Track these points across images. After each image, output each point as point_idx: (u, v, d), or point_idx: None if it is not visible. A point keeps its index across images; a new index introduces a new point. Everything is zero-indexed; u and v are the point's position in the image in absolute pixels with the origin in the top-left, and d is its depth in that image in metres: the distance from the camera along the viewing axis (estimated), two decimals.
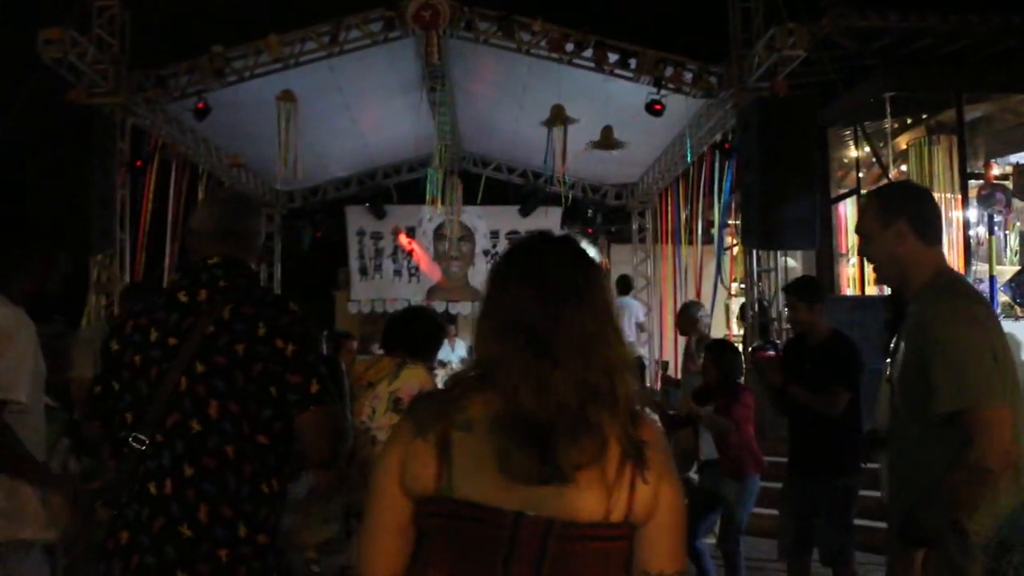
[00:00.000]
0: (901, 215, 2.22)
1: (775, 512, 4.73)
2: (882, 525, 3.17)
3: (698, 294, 9.67)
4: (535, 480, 1.25)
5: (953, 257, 8.28)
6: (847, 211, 9.82)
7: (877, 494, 2.82)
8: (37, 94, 7.57)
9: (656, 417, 5.49)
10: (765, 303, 8.06)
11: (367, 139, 11.17)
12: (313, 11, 8.40)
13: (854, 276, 9.72)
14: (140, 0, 8.30)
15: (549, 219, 12.59)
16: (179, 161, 9.62)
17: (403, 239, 12.97)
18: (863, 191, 9.02)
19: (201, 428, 1.83)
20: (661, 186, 11.42)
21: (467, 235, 13.02)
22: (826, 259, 9.77)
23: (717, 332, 8.51)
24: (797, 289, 4.30)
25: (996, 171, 8.26)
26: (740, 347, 7.31)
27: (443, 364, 9.20)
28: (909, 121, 9.33)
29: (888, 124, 8.57)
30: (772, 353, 4.58)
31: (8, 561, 2.43)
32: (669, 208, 11.27)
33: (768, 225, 7.35)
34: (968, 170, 8.51)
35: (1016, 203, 8.06)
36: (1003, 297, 7.41)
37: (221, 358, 1.86)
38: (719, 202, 9.15)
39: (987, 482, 1.93)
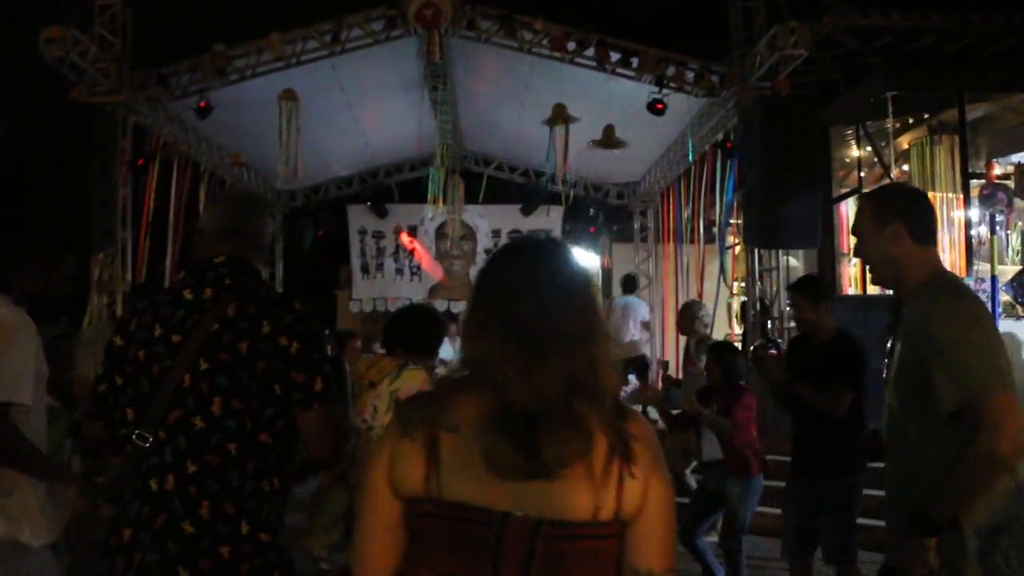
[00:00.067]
0: (896, 216, 2.24)
1: (777, 511, 4.73)
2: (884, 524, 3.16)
3: (700, 293, 9.68)
4: (521, 475, 1.25)
5: (955, 257, 8.28)
6: (848, 211, 9.79)
7: (880, 493, 2.82)
8: (38, 93, 7.57)
9: (659, 416, 5.51)
10: (767, 302, 8.06)
11: (369, 138, 11.16)
12: (315, 10, 8.40)
13: (856, 276, 9.70)
14: None
15: (551, 218, 12.62)
16: (181, 160, 9.61)
17: (405, 238, 12.99)
18: (865, 190, 9.00)
19: (204, 425, 1.83)
20: (663, 185, 11.42)
21: (469, 234, 13.04)
22: (828, 258, 9.76)
23: (719, 331, 8.50)
24: (802, 288, 4.29)
25: (998, 170, 8.25)
26: (740, 346, 7.31)
27: (444, 362, 9.18)
28: (911, 120, 9.32)
29: (890, 123, 8.55)
30: (774, 352, 4.56)
31: (9, 561, 2.43)
32: (671, 207, 11.26)
33: (770, 224, 7.35)
34: (970, 169, 8.51)
35: (1018, 202, 8.05)
36: (1004, 296, 7.40)
37: (225, 355, 1.85)
38: (721, 201, 9.14)
39: (997, 470, 1.93)
